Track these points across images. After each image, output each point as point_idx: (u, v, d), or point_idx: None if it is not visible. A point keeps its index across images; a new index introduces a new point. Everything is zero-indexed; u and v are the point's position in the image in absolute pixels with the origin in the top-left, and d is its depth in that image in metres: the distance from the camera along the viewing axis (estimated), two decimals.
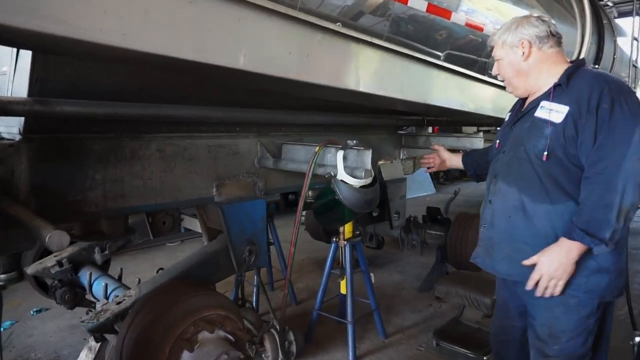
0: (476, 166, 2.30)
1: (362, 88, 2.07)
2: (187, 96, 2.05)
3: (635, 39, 5.84)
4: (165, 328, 1.74)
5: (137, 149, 2.02)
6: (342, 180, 1.93)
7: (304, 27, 1.71)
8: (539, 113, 1.67)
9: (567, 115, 1.58)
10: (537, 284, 1.63)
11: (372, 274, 3.25)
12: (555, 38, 1.73)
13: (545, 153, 1.60)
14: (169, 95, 1.96)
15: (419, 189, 9.86)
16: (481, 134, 3.12)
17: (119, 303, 2.04)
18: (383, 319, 3.42)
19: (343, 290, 3.19)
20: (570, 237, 1.55)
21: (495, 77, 2.07)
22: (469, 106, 2.82)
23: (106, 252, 2.89)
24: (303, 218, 5.03)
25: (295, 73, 1.70)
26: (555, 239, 1.61)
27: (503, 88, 3.15)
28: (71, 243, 2.64)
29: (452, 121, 4.55)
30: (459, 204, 8.20)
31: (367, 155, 1.95)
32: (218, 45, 1.43)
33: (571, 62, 1.76)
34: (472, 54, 2.88)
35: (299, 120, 2.64)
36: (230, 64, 1.49)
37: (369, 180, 1.94)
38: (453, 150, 2.54)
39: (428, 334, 3.34)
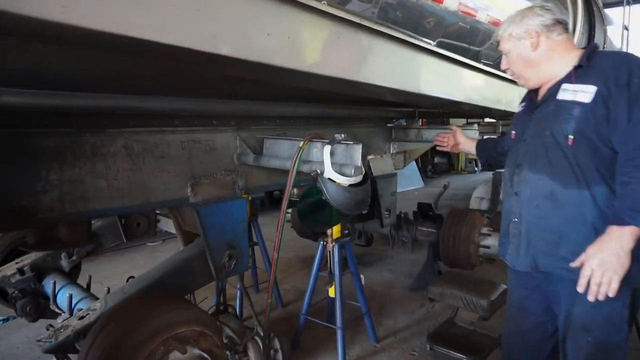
0: (488, 156, 2.27)
1: (349, 76, 1.87)
2: (157, 86, 1.83)
3: (626, 28, 5.74)
4: (132, 348, 1.54)
5: (100, 145, 1.79)
6: (329, 179, 1.73)
7: (286, 5, 1.50)
8: (563, 95, 1.61)
9: (595, 95, 1.52)
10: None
11: (362, 275, 3.08)
12: (562, 25, 1.70)
13: (571, 137, 1.54)
14: (136, 85, 1.74)
15: (407, 183, 9.74)
16: (476, 125, 2.96)
17: (81, 318, 1.83)
18: (374, 320, 3.26)
19: (332, 294, 3.01)
20: (621, 222, 1.43)
21: (504, 71, 1.97)
22: (464, 96, 2.64)
23: (74, 257, 2.66)
24: (289, 215, 4.83)
25: (275, 58, 1.50)
26: (586, 225, 1.54)
27: (499, 77, 3.01)
28: (25, 253, 2.41)
29: (443, 113, 4.39)
30: (447, 198, 8.09)
31: (357, 151, 1.76)
32: (181, 23, 1.21)
33: (582, 48, 1.71)
34: (464, 43, 2.70)
35: (282, 112, 2.43)
36: (198, 46, 1.27)
37: (359, 178, 1.75)
38: None
39: (421, 337, 3.19)
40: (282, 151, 2.12)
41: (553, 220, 1.61)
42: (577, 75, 1.59)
